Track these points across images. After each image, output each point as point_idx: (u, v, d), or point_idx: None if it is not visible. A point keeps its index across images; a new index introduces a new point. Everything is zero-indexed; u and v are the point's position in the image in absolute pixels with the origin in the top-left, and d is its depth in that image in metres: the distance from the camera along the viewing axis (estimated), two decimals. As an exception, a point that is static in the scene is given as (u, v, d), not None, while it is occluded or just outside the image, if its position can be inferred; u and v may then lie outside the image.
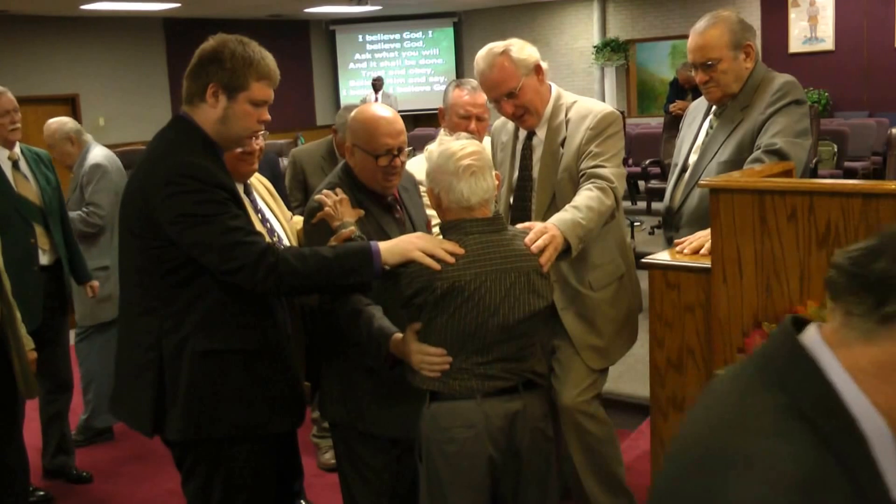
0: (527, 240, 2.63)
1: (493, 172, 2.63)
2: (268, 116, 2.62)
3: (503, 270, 2.54)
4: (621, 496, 3.34)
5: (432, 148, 2.63)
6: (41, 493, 4.40)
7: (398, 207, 2.96)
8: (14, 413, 3.78)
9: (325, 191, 2.79)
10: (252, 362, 2.57)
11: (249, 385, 2.57)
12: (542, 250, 2.63)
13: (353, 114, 2.90)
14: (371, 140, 2.78)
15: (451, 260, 2.50)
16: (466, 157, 2.55)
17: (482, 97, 3.66)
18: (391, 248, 2.54)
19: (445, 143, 2.61)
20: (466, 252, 2.52)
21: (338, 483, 3.32)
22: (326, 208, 2.73)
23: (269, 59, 2.59)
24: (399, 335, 2.62)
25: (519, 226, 2.75)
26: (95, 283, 4.69)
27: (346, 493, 2.97)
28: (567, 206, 2.90)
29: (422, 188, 3.25)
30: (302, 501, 3.95)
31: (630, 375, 4.89)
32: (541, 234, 2.66)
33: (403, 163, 2.87)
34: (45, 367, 4.42)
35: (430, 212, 3.32)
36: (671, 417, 2.71)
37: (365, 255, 2.52)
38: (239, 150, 3.04)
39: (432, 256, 2.50)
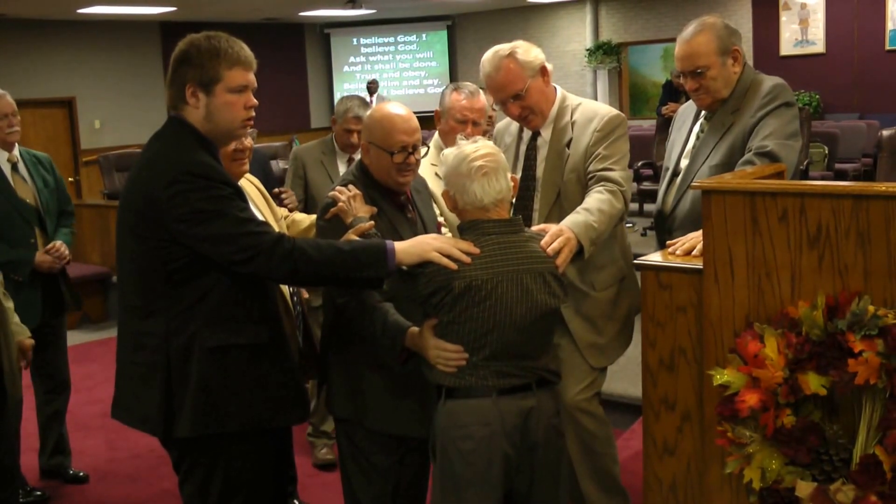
0: (543, 242, 2.68)
1: (509, 175, 2.67)
2: (254, 101, 2.62)
3: (520, 271, 2.58)
4: (616, 495, 3.37)
5: (448, 152, 2.68)
6: (38, 492, 4.42)
7: (410, 207, 2.99)
8: (3, 411, 3.80)
9: (338, 187, 2.82)
10: (259, 356, 2.59)
11: (258, 379, 2.58)
12: (557, 252, 2.68)
13: (369, 112, 2.95)
14: (387, 137, 2.82)
15: (468, 260, 2.54)
16: (479, 158, 2.59)
17: (480, 102, 3.68)
18: (407, 249, 2.56)
19: (460, 146, 2.65)
20: (484, 252, 2.56)
21: (333, 482, 3.35)
22: (340, 203, 2.76)
23: (238, 46, 2.59)
24: (415, 329, 2.65)
25: (534, 228, 2.80)
26: (59, 244, 4.54)
27: (347, 492, 2.97)
28: (579, 209, 2.94)
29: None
30: (295, 501, 3.97)
31: (622, 375, 4.91)
32: (556, 236, 2.72)
33: (418, 161, 2.91)
34: (43, 367, 4.47)
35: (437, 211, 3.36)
36: (663, 417, 2.73)
37: (380, 251, 2.54)
38: (231, 149, 3.07)
39: (449, 257, 2.53)
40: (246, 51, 2.60)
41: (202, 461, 2.61)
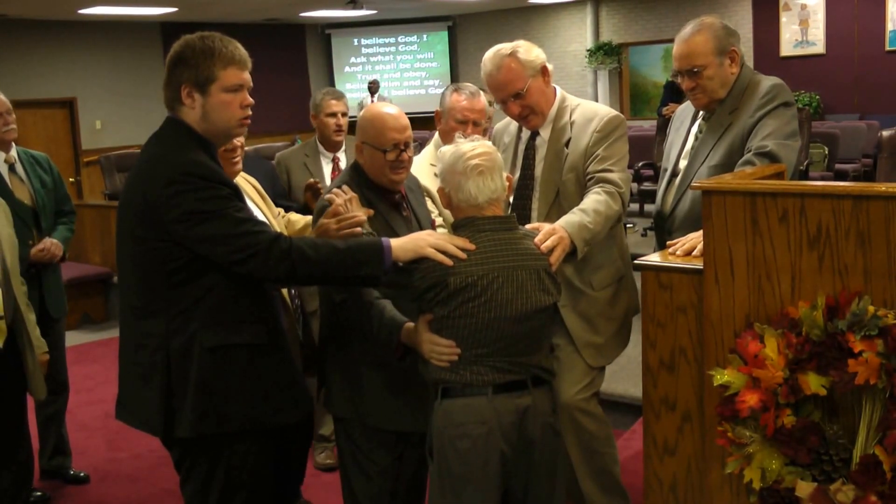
0: (536, 240, 2.70)
1: (504, 174, 2.69)
2: (250, 100, 2.64)
3: (514, 268, 2.60)
4: (616, 495, 3.37)
5: (445, 149, 2.70)
6: (38, 493, 4.42)
7: (405, 206, 3.02)
8: (25, 411, 3.83)
9: (335, 189, 2.84)
10: (259, 355, 2.60)
11: (258, 378, 2.59)
12: (550, 250, 2.70)
13: (360, 113, 2.99)
14: (379, 136, 2.86)
15: (463, 256, 2.56)
16: (475, 157, 2.62)
17: (480, 103, 3.70)
18: (403, 245, 2.59)
19: (457, 144, 2.68)
20: (479, 249, 2.58)
21: (334, 483, 3.34)
22: (337, 206, 2.77)
23: (233, 45, 2.60)
24: (410, 324, 2.67)
25: (528, 226, 2.82)
26: (50, 241, 4.49)
27: (346, 490, 2.99)
28: (575, 209, 2.96)
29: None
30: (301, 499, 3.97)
31: (623, 376, 4.91)
32: (550, 234, 2.73)
33: (411, 157, 2.94)
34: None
35: (434, 209, 3.38)
36: (663, 417, 2.73)
37: (376, 248, 2.56)
38: (222, 148, 3.07)
39: (444, 253, 2.55)
40: (240, 50, 2.62)
41: (203, 461, 2.61)
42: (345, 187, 2.85)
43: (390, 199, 2.96)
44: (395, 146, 2.86)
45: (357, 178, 2.94)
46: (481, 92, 3.74)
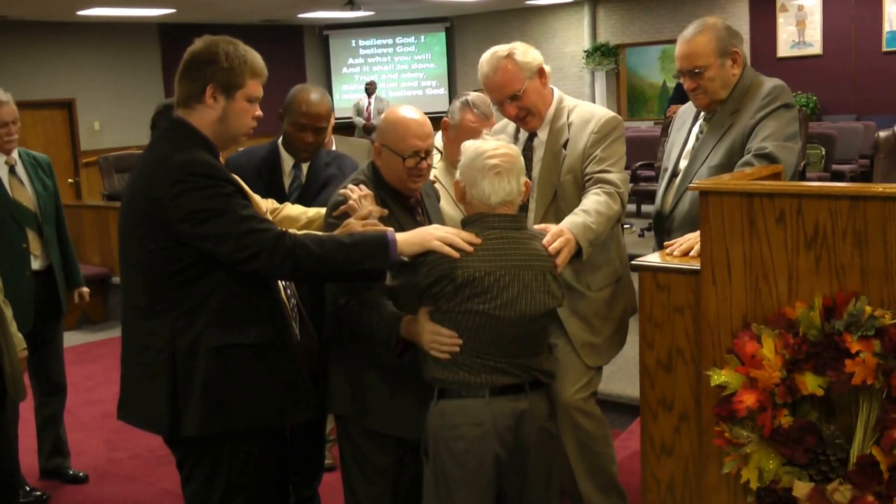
0: (545, 241, 2.71)
1: (523, 178, 2.68)
2: (260, 113, 2.69)
3: (521, 267, 2.60)
4: (614, 495, 3.38)
5: (468, 143, 2.71)
6: (38, 493, 4.42)
7: (420, 210, 3.00)
8: (3, 413, 3.81)
9: (350, 185, 2.84)
10: (265, 355, 2.61)
11: (263, 378, 2.60)
12: (558, 252, 2.71)
13: (383, 115, 2.97)
14: (400, 141, 2.82)
15: (470, 249, 2.56)
16: (495, 157, 2.62)
17: (491, 123, 3.70)
18: (409, 239, 2.59)
19: (481, 142, 2.69)
20: (486, 245, 2.59)
21: (334, 483, 3.35)
22: (351, 201, 2.78)
23: (258, 57, 2.66)
24: (410, 317, 2.67)
25: (535, 227, 2.82)
26: (85, 290, 4.71)
27: (348, 491, 2.99)
28: (577, 210, 2.97)
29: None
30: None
31: (620, 376, 4.92)
32: (557, 236, 2.75)
33: (430, 165, 2.91)
34: (38, 370, 4.47)
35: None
36: (661, 417, 2.73)
37: (381, 242, 2.56)
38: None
39: (451, 246, 2.55)
40: (263, 63, 2.67)
41: (206, 460, 2.62)
42: (360, 185, 2.85)
43: (405, 203, 2.94)
44: (415, 153, 2.82)
45: (373, 178, 2.92)
46: (493, 110, 3.73)
